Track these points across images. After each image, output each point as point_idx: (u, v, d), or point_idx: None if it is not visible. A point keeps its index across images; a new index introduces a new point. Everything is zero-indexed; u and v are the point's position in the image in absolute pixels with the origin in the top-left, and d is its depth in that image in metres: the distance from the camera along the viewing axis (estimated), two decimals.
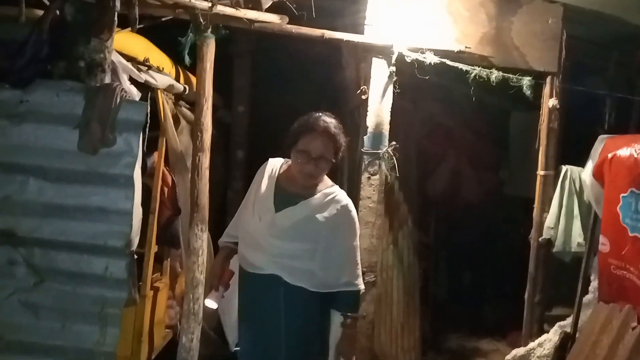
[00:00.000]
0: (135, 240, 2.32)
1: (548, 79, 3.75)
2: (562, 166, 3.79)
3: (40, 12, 2.40)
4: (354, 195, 3.76)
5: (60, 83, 2.22)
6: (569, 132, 3.96)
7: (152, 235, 3.20)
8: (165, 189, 3.44)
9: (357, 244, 2.26)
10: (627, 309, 2.85)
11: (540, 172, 3.80)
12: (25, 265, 2.18)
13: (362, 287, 2.27)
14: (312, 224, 2.16)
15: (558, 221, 3.73)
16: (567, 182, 3.74)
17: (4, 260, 2.18)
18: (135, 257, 2.37)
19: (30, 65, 2.30)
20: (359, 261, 2.26)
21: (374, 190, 3.55)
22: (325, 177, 2.30)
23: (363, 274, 3.41)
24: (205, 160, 3.12)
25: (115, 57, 2.53)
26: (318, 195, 2.21)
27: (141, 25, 2.78)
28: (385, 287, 4.04)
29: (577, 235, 3.72)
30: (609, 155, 3.01)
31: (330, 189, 2.25)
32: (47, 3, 2.40)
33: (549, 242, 3.77)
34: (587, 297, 3.44)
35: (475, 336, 4.88)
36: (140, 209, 2.41)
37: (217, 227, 3.19)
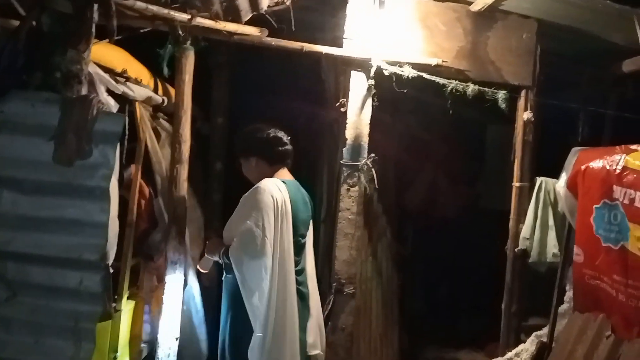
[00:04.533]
0: (111, 254, 2.29)
1: (523, 93, 3.83)
2: (537, 178, 3.86)
3: (17, 23, 2.37)
4: (333, 206, 3.77)
5: (36, 94, 2.19)
6: (544, 145, 4.04)
7: (128, 248, 3.15)
8: (142, 202, 3.40)
9: (246, 212, 2.56)
10: (601, 319, 2.90)
11: (516, 183, 3.87)
12: None
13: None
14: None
15: (533, 232, 3.79)
16: (542, 194, 3.82)
17: None
18: (112, 270, 2.33)
19: (5, 75, 2.26)
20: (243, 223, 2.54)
21: (353, 202, 3.56)
22: (278, 174, 2.74)
23: (342, 285, 3.47)
24: (184, 172, 3.10)
25: (93, 69, 2.50)
26: None
27: (119, 37, 2.77)
28: (364, 299, 4.04)
29: (552, 246, 3.78)
30: (582, 167, 3.08)
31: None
32: (23, 13, 2.37)
33: (525, 253, 3.83)
34: (563, 307, 3.50)
35: (454, 347, 4.91)
36: (117, 222, 2.38)
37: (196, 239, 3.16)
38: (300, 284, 2.72)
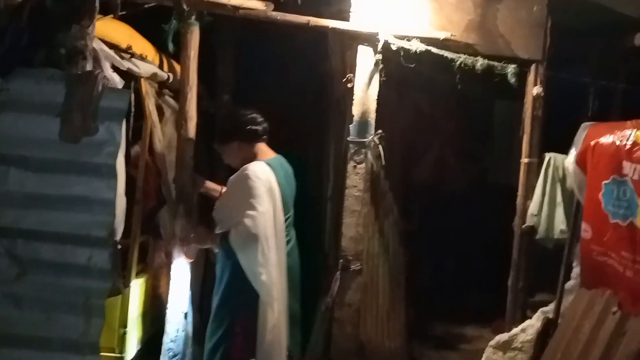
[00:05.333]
0: (119, 230, 2.31)
1: (532, 67, 3.77)
2: (546, 154, 3.83)
3: (20, 0, 2.35)
4: (340, 184, 3.76)
5: (40, 71, 2.18)
6: (553, 120, 3.99)
7: (137, 226, 3.17)
8: (150, 179, 3.41)
9: (240, 199, 2.65)
10: (608, 295, 2.90)
11: (524, 159, 3.83)
12: (7, 257, 2.15)
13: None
14: None
15: (541, 208, 3.77)
16: (550, 170, 3.78)
17: None
18: (120, 247, 2.35)
19: (10, 53, 2.25)
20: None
21: (359, 179, 3.55)
22: (261, 153, 2.83)
23: (349, 262, 3.52)
24: (190, 150, 3.10)
25: (97, 45, 2.48)
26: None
27: (123, 12, 2.74)
28: (371, 275, 4.05)
29: (560, 222, 3.77)
30: (592, 143, 3.04)
31: (246, 165, 2.73)
32: None
33: (532, 229, 3.82)
34: (570, 283, 3.49)
35: (460, 323, 4.94)
36: (124, 199, 2.39)
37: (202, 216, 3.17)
38: (289, 255, 2.88)
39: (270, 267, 2.64)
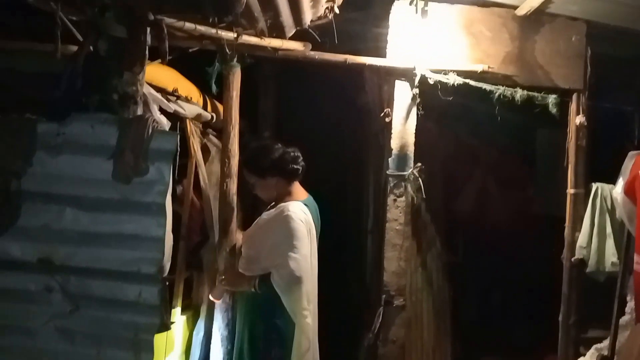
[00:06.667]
0: (167, 267, 2.36)
1: (574, 96, 3.72)
2: (593, 184, 3.73)
3: (75, 48, 2.50)
4: (380, 217, 3.76)
5: (94, 115, 2.28)
6: (598, 149, 3.90)
7: (182, 262, 3.24)
8: (194, 215, 3.49)
9: (282, 240, 2.64)
10: None
11: (570, 190, 3.75)
12: (61, 292, 2.21)
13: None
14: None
15: (590, 240, 3.66)
16: (598, 200, 3.68)
17: (41, 287, 2.22)
18: (167, 283, 2.40)
19: (65, 98, 2.38)
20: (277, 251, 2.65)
21: (400, 212, 3.54)
22: (296, 192, 2.81)
23: (392, 297, 3.48)
24: (233, 187, 3.17)
25: (146, 89, 2.60)
26: (271, 211, 2.79)
27: (170, 57, 2.87)
28: (415, 310, 3.99)
29: (611, 254, 3.64)
30: None
31: (284, 204, 2.72)
32: (81, 39, 2.50)
33: (582, 262, 3.70)
34: (624, 319, 3.35)
35: (508, 357, 4.77)
36: (171, 236, 2.45)
37: None
38: None
39: (313, 310, 2.67)
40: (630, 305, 3.33)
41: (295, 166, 2.81)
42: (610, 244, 3.65)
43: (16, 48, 2.81)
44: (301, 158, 2.87)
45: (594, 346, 3.56)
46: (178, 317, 3.25)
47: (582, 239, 3.68)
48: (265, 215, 2.81)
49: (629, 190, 3.05)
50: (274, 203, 2.86)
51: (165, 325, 2.31)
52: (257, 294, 2.68)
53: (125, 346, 2.20)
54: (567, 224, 3.75)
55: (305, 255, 2.63)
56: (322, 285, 2.87)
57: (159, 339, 2.85)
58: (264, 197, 2.91)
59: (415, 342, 3.95)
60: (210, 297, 3.05)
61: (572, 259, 3.70)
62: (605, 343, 3.39)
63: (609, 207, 3.66)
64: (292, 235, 2.62)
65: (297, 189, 2.87)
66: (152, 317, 2.20)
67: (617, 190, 3.16)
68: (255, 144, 3.00)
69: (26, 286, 2.21)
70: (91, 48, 2.40)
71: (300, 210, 2.71)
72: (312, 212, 2.81)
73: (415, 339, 3.95)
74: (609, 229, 3.67)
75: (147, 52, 2.37)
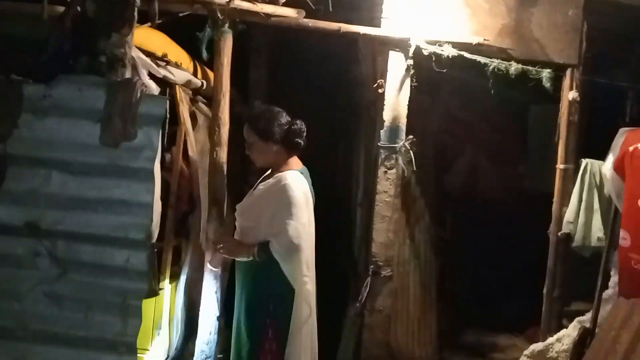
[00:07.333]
0: (155, 233, 2.35)
1: (568, 72, 3.70)
2: (582, 160, 3.74)
3: (62, 9, 2.44)
4: (370, 189, 3.76)
5: (82, 78, 2.24)
6: (590, 125, 3.91)
7: (170, 229, 3.24)
8: (183, 184, 3.48)
9: (281, 208, 2.63)
10: None
11: (560, 165, 3.76)
12: (48, 257, 2.21)
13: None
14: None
15: (578, 215, 3.69)
16: (587, 176, 3.70)
17: (28, 252, 2.21)
18: (155, 250, 2.40)
19: (52, 61, 2.33)
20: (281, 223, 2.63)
21: (390, 185, 3.55)
22: (292, 162, 2.76)
23: (379, 267, 3.50)
24: (223, 155, 3.15)
25: (135, 53, 2.55)
26: (268, 180, 2.76)
27: (160, 21, 2.81)
28: (402, 281, 4.03)
29: (597, 230, 3.68)
30: (630, 149, 2.98)
31: (281, 173, 2.70)
32: (69, 0, 2.43)
33: (568, 237, 3.74)
34: (607, 292, 3.41)
35: (493, 331, 4.86)
36: (160, 203, 2.44)
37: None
38: None
39: (312, 277, 2.70)
40: (614, 279, 3.39)
41: (299, 140, 2.76)
42: (597, 219, 3.68)
43: (2, 9, 2.74)
44: (306, 134, 2.80)
45: (577, 319, 3.63)
46: (167, 285, 3.26)
47: (569, 214, 3.71)
48: (262, 185, 2.79)
49: (618, 167, 3.07)
50: (269, 172, 2.83)
51: (153, 291, 2.32)
52: (256, 262, 2.68)
53: (113, 311, 2.21)
54: (555, 198, 3.78)
55: (304, 224, 2.64)
56: None
57: (147, 304, 2.87)
58: (257, 161, 2.84)
59: (400, 313, 4.00)
60: (208, 266, 3.05)
61: (559, 234, 3.75)
62: (588, 316, 3.46)
63: (598, 183, 3.69)
64: (290, 203, 2.62)
65: (294, 159, 2.84)
66: (140, 282, 2.20)
67: (607, 166, 3.18)
68: (266, 107, 2.91)
69: (13, 250, 2.20)
70: (79, 9, 2.34)
71: (297, 180, 2.70)
72: (308, 182, 2.80)
73: (401, 310, 4.00)
74: (596, 205, 3.70)
75: (136, 13, 2.32)
